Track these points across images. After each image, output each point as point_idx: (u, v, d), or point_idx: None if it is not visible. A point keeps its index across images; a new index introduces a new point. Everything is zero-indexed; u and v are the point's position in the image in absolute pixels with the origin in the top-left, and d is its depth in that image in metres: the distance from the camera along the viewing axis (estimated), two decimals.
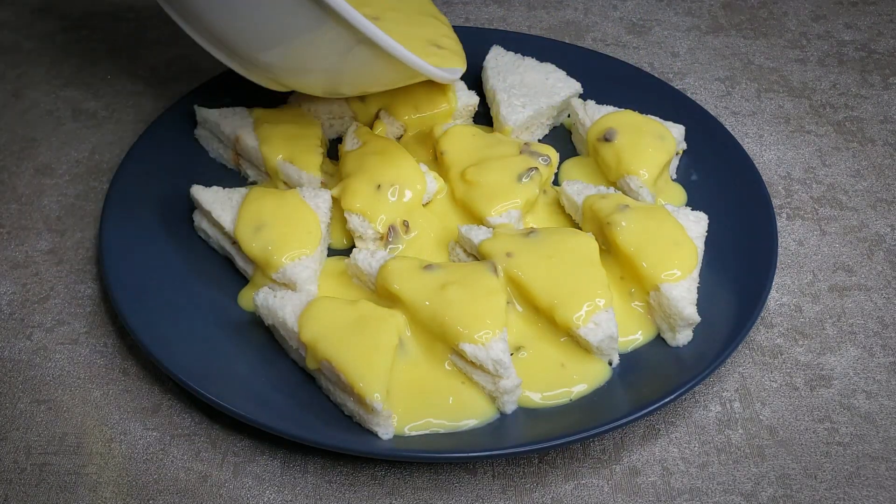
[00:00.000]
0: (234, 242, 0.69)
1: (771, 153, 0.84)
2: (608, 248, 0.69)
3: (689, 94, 0.89)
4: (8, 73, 0.93)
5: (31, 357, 0.67)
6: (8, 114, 0.88)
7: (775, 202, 0.79)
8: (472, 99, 0.82)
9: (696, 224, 0.70)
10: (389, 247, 0.71)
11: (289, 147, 0.75)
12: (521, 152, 0.75)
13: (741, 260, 0.70)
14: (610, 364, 0.64)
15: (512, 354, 0.63)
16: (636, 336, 0.67)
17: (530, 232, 0.68)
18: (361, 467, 0.61)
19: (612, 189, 0.74)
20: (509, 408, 0.62)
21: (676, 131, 0.78)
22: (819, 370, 0.67)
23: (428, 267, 0.66)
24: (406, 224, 0.71)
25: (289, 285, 0.67)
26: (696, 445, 0.62)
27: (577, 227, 0.73)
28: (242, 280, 0.70)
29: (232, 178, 0.79)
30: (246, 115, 0.78)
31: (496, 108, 0.81)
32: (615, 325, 0.63)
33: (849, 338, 0.69)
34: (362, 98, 0.81)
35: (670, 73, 0.93)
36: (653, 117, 0.78)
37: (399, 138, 0.81)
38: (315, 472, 0.61)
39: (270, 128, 0.77)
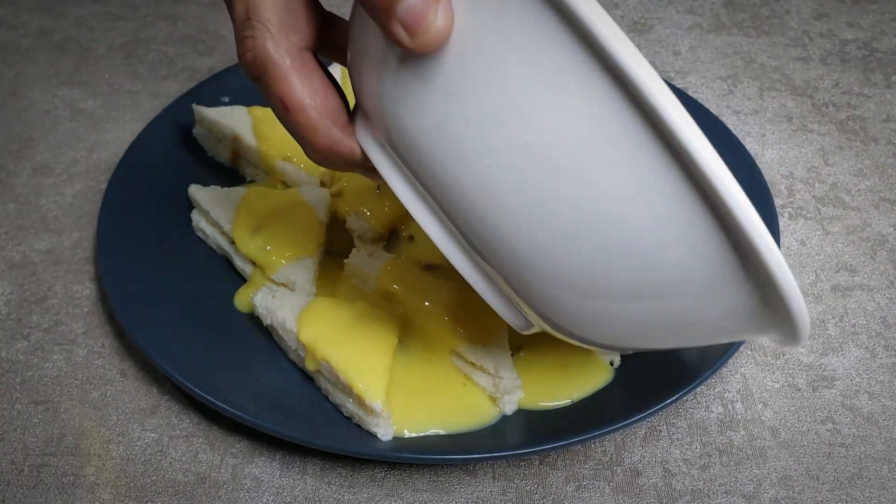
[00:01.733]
0: (233, 242, 0.69)
1: (773, 152, 0.84)
2: None
3: (690, 93, 0.89)
4: (5, 71, 0.92)
5: (29, 358, 0.67)
6: (5, 113, 0.88)
7: (777, 201, 0.79)
8: None
9: None
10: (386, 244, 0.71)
11: (288, 146, 0.75)
12: None
13: None
14: (611, 364, 0.64)
15: (512, 354, 0.63)
16: None
17: None
18: (360, 469, 0.61)
19: None
20: (510, 409, 0.61)
21: None
22: (821, 371, 0.66)
23: (428, 267, 0.65)
24: (412, 238, 0.71)
25: (287, 285, 0.66)
26: (698, 447, 0.62)
27: None
28: (241, 280, 0.70)
29: (231, 177, 0.79)
30: (244, 115, 0.78)
31: None
32: None
33: (851, 338, 0.69)
34: None
35: (672, 71, 0.93)
36: None
37: None
38: (314, 474, 0.60)
39: (269, 127, 0.76)
